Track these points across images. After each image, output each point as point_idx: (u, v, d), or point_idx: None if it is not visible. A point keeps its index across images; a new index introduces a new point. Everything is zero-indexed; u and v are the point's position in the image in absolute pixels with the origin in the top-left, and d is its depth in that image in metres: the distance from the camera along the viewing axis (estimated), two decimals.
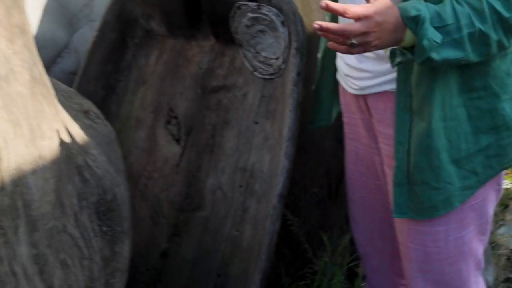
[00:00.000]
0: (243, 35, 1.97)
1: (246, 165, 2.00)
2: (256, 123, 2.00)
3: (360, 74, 1.57)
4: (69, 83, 2.27)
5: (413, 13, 1.24)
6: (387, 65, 1.46)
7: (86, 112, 1.73)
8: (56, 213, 1.41)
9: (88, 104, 1.79)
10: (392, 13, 1.25)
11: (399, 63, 1.35)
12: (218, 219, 2.01)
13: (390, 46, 1.31)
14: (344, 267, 2.28)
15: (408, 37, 1.27)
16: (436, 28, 1.25)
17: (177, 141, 2.14)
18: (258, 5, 1.87)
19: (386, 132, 1.56)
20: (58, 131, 1.46)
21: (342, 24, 1.23)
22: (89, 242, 1.54)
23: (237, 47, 2.04)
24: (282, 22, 1.86)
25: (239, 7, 1.91)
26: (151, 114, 2.20)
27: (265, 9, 1.87)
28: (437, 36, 1.25)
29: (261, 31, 1.94)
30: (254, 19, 1.90)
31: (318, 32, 1.23)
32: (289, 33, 1.86)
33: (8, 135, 1.28)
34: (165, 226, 2.11)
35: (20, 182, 1.29)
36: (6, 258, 1.27)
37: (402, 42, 1.28)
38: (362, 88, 1.58)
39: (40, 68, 1.45)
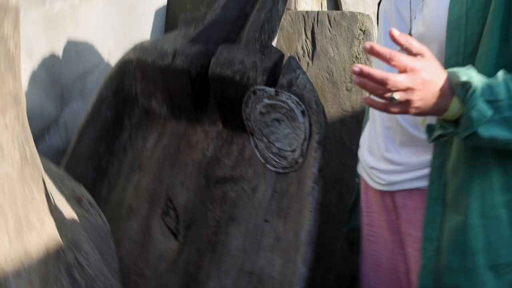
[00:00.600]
0: (255, 122, 1.78)
1: (253, 269, 1.76)
2: (266, 221, 1.78)
3: (388, 166, 1.38)
4: (56, 161, 2.05)
5: (464, 78, 1.08)
6: (420, 158, 1.29)
7: (78, 200, 1.50)
8: None
9: (81, 190, 1.55)
10: (440, 75, 1.09)
11: (438, 137, 1.17)
12: None
13: (431, 114, 1.13)
14: None
15: (454, 106, 1.10)
16: (487, 101, 1.08)
17: (175, 235, 1.90)
18: (276, 91, 1.69)
19: (415, 235, 1.35)
20: (47, 222, 1.22)
21: (386, 73, 1.04)
22: None
23: (247, 135, 1.85)
24: (303, 112, 1.68)
25: (254, 92, 1.73)
26: (146, 203, 1.96)
27: (284, 96, 1.69)
28: (487, 110, 1.07)
29: (277, 120, 1.75)
30: (271, 106, 1.72)
31: (356, 79, 1.05)
32: (310, 125, 1.67)
33: None
34: None
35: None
36: None
37: (445, 112, 1.11)
38: (390, 184, 1.39)
39: (31, 146, 1.23)
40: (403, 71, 1.05)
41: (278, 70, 1.74)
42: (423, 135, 1.24)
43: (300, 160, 1.73)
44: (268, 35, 1.87)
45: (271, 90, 1.70)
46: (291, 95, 1.69)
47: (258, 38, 1.82)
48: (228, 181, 1.87)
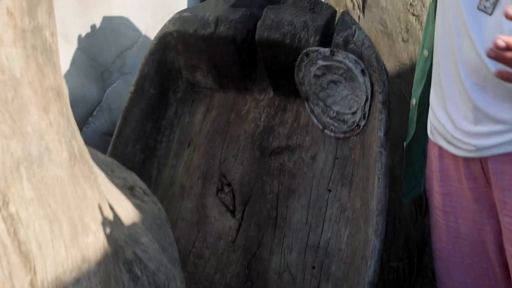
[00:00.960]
0: (310, 86, 1.66)
1: (319, 242, 1.66)
2: (329, 190, 1.67)
3: (481, 127, 1.23)
4: (103, 145, 1.98)
5: None
6: None
7: (131, 189, 1.41)
8: None
9: (133, 178, 1.47)
10: None
11: None
12: None
13: None
14: None
15: None
16: None
17: (232, 212, 1.81)
18: (332, 51, 1.56)
19: None
20: (103, 221, 1.14)
21: None
22: None
23: (301, 101, 1.73)
24: (362, 71, 1.55)
25: (307, 54, 1.60)
26: (199, 181, 1.87)
27: (341, 56, 1.55)
28: None
29: (334, 82, 1.62)
30: (326, 67, 1.59)
31: (492, 53, 0.93)
32: (372, 84, 1.54)
33: (44, 237, 0.95)
34: None
35: None
36: None
37: None
38: (480, 149, 1.25)
39: (79, 140, 1.14)
40: None
41: (331, 28, 1.61)
42: None
43: (362, 123, 1.60)
44: None
45: (326, 50, 1.57)
46: (349, 53, 1.56)
47: None
48: (284, 151, 1.77)
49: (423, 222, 1.90)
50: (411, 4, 1.92)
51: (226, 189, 1.83)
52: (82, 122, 2.27)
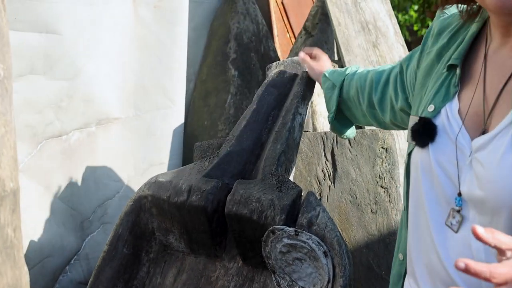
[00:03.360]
0: (276, 261, 1.69)
1: None
2: None
3: None
4: None
5: None
6: None
7: None
8: None
9: None
10: None
11: None
12: None
13: None
14: None
15: None
16: None
17: None
18: (296, 231, 1.61)
19: None
20: None
21: (490, 266, 0.91)
22: None
23: (269, 273, 1.76)
24: (325, 253, 1.59)
25: (273, 231, 1.65)
26: None
27: (304, 237, 1.60)
28: None
29: (299, 259, 1.66)
30: (291, 245, 1.64)
31: (459, 269, 0.91)
32: (333, 266, 1.58)
33: None
34: None
35: None
36: None
37: None
38: None
39: None
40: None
41: (296, 208, 1.67)
42: None
43: None
44: (285, 167, 1.81)
45: (291, 230, 1.62)
46: (312, 235, 1.60)
47: (275, 172, 1.76)
48: None
49: None
50: (380, 176, 1.99)
51: None
52: (58, 271, 2.29)
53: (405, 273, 1.37)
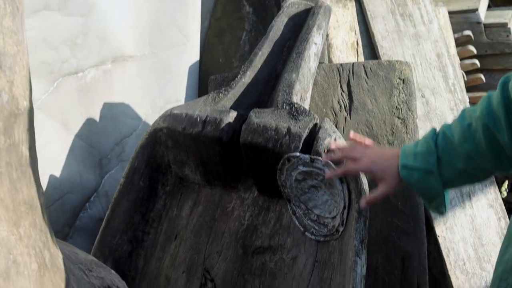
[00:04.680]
0: (292, 189, 1.70)
1: None
2: None
3: None
4: (98, 230, 2.01)
5: None
6: None
7: None
8: None
9: (111, 277, 1.50)
10: None
11: None
12: None
13: None
14: None
15: None
16: None
17: None
18: (312, 158, 1.61)
19: None
20: None
21: None
22: None
23: (284, 202, 1.77)
24: (340, 179, 1.59)
25: (288, 159, 1.64)
26: (183, 274, 1.89)
27: (320, 163, 1.60)
28: None
29: (314, 187, 1.66)
30: (306, 173, 1.64)
31: None
32: (349, 192, 1.58)
33: None
34: None
35: None
36: None
37: None
38: None
39: (52, 247, 1.18)
40: None
41: (312, 135, 1.66)
42: None
43: (341, 229, 1.63)
44: (300, 96, 1.79)
45: (306, 157, 1.62)
46: (327, 161, 1.60)
47: (290, 101, 1.74)
48: (266, 250, 1.79)
49: None
50: (396, 107, 1.97)
51: (209, 284, 1.84)
52: (78, 208, 2.32)
53: None
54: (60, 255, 1.22)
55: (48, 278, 1.12)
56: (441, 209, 1.38)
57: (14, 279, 1.02)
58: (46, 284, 1.11)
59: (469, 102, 2.49)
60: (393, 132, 1.98)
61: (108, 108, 2.39)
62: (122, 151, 2.42)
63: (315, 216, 1.69)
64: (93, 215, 2.35)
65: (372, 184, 1.55)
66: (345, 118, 2.00)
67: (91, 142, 2.33)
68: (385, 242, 1.94)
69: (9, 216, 1.03)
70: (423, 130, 2.22)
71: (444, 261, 2.10)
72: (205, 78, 2.50)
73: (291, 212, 1.74)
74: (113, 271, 1.54)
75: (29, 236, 1.08)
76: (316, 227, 1.70)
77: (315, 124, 1.68)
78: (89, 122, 2.33)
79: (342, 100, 2.01)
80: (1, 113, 1.03)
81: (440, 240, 2.14)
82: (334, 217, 1.64)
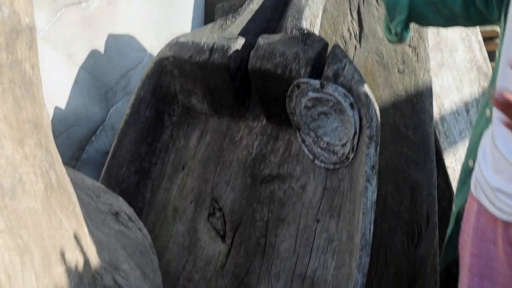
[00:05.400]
0: (301, 117, 1.67)
1: (305, 272, 1.66)
2: (318, 221, 1.68)
3: None
4: (104, 163, 2.00)
5: None
6: None
7: (116, 214, 1.43)
8: None
9: (119, 203, 1.49)
10: None
11: None
12: None
13: None
14: None
15: None
16: None
17: (222, 237, 1.82)
18: (322, 84, 1.57)
19: None
20: (79, 249, 1.16)
21: None
22: None
23: (293, 130, 1.74)
24: (351, 104, 1.55)
25: (298, 85, 1.61)
26: (191, 204, 1.89)
27: (331, 89, 1.56)
28: None
29: (324, 113, 1.63)
30: (316, 99, 1.60)
31: (496, 105, 0.92)
32: (360, 118, 1.55)
33: (14, 268, 0.97)
34: None
35: None
36: None
37: None
38: None
39: (58, 169, 1.16)
40: None
41: (322, 61, 1.62)
42: None
43: (351, 156, 1.61)
44: (310, 21, 1.74)
45: (316, 82, 1.58)
46: (338, 86, 1.56)
47: (299, 26, 1.69)
48: (275, 179, 1.77)
49: (414, 254, 1.90)
50: None
51: (218, 214, 1.84)
52: (84, 141, 2.30)
53: None
54: (67, 178, 1.21)
55: (55, 198, 1.11)
56: (398, 30, 1.44)
57: (20, 198, 1.01)
58: (53, 204, 1.10)
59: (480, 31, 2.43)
60: (404, 61, 1.93)
61: (113, 40, 2.34)
62: (127, 83, 2.38)
63: (325, 144, 1.67)
64: (100, 148, 2.33)
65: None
66: (355, 46, 1.95)
67: (96, 74, 2.30)
68: (395, 171, 1.92)
69: (14, 134, 1.01)
70: (434, 61, 2.17)
71: (453, 192, 2.09)
72: (211, 8, 2.44)
73: (300, 140, 1.72)
74: (120, 198, 1.53)
75: (35, 156, 1.06)
76: (326, 155, 1.67)
77: (325, 49, 1.63)
78: (94, 54, 2.29)
79: (352, 28, 1.95)
80: (2, 27, 0.99)
81: (449, 171, 2.13)
82: (344, 144, 1.62)
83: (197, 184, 1.89)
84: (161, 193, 1.95)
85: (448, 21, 1.44)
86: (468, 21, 1.39)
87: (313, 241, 1.67)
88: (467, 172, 1.37)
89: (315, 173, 1.71)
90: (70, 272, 1.11)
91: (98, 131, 2.32)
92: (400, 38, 1.50)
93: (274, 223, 1.74)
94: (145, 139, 1.93)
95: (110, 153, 1.92)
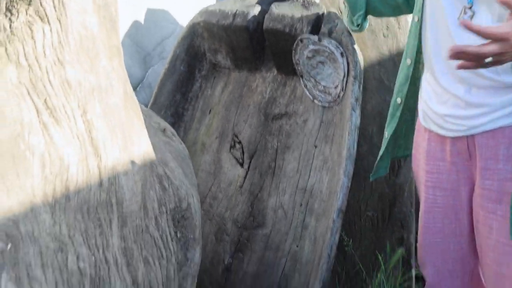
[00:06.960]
0: (304, 66, 2.15)
1: (306, 186, 2.15)
2: (316, 146, 2.16)
3: (470, 111, 1.46)
4: None
5: None
6: (501, 98, 1.41)
7: (163, 130, 1.92)
8: (141, 213, 1.58)
9: (165, 124, 1.97)
10: None
11: None
12: (279, 236, 2.15)
13: None
14: (397, 287, 2.37)
15: None
16: None
17: (241, 164, 2.30)
18: (319, 38, 2.05)
19: (496, 167, 1.46)
20: (144, 142, 1.64)
21: (479, 46, 1.16)
22: (167, 244, 1.70)
23: (298, 78, 2.23)
24: (341, 53, 2.03)
25: (301, 40, 2.09)
26: (216, 139, 2.38)
27: (326, 41, 2.05)
28: None
29: (321, 62, 2.11)
30: (315, 51, 2.08)
31: (451, 56, 1.17)
32: (348, 63, 2.03)
33: (107, 140, 1.46)
34: (228, 243, 2.26)
35: (114, 180, 1.47)
36: (101, 246, 1.44)
37: None
38: (471, 128, 1.48)
39: (129, 86, 1.65)
40: (494, 41, 1.14)
41: (320, 21, 2.10)
42: (501, 77, 1.38)
43: (342, 94, 2.09)
44: None
45: (315, 37, 2.06)
46: (332, 40, 2.04)
47: None
48: (283, 116, 2.26)
49: (395, 182, 2.36)
50: None
51: (237, 146, 2.32)
52: None
53: (413, 75, 1.68)
54: (135, 96, 1.69)
55: (129, 104, 1.59)
56: (359, 21, 1.84)
57: (110, 95, 1.50)
58: (128, 106, 1.58)
59: None
60: (388, 27, 2.40)
61: (151, 14, 2.83)
62: (162, 50, 2.87)
63: (322, 87, 2.15)
64: (139, 102, 2.82)
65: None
66: None
67: (137, 41, 2.79)
68: (379, 115, 2.39)
69: (106, 52, 1.50)
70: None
71: None
72: None
73: (303, 85, 2.20)
74: (164, 121, 2.01)
75: (118, 70, 1.55)
76: (323, 96, 2.15)
77: (323, 13, 2.12)
78: (136, 24, 2.78)
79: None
80: None
81: None
82: (336, 86, 2.10)
83: (221, 123, 2.38)
84: (192, 133, 2.44)
85: (395, 10, 1.83)
86: (409, 8, 1.74)
87: (312, 162, 2.15)
88: (395, 107, 1.76)
89: (314, 110, 2.19)
90: (139, 155, 1.59)
91: (138, 88, 2.82)
92: (361, 27, 1.90)
93: (282, 150, 2.23)
94: (180, 89, 2.42)
95: (152, 99, 2.41)
